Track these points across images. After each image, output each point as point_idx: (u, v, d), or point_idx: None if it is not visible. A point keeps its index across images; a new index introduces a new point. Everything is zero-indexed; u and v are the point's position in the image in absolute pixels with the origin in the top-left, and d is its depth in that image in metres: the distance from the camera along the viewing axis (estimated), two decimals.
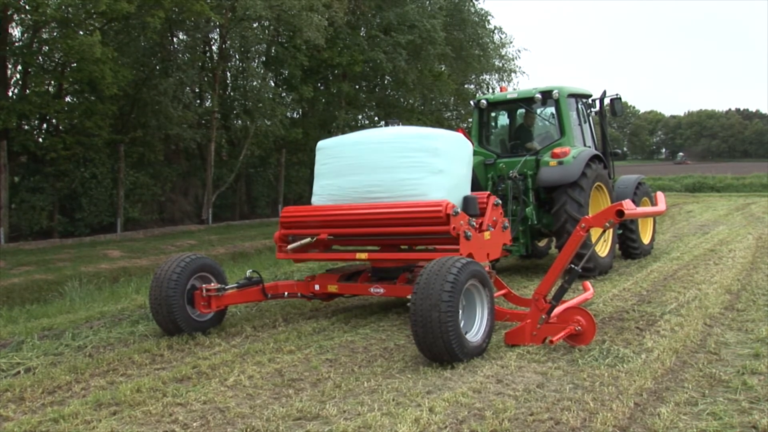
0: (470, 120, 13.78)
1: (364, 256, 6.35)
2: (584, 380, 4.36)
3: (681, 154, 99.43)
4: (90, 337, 5.95)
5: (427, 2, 23.64)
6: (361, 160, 6.29)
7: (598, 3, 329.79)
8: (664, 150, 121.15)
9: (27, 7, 13.05)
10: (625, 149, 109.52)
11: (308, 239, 6.42)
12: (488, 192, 7.15)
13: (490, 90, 27.74)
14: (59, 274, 10.38)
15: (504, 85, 25.86)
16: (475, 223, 6.14)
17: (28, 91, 14.70)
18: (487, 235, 6.28)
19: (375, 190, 6.19)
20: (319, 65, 20.97)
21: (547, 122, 9.54)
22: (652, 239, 10.67)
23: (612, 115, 10.13)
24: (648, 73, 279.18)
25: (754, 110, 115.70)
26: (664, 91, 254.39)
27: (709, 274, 8.32)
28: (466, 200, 6.35)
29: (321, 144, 6.76)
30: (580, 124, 9.51)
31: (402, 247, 6.78)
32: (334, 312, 6.99)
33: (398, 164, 6.09)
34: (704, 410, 3.81)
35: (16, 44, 14.83)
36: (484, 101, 9.56)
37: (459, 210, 5.85)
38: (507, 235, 6.75)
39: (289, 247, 6.50)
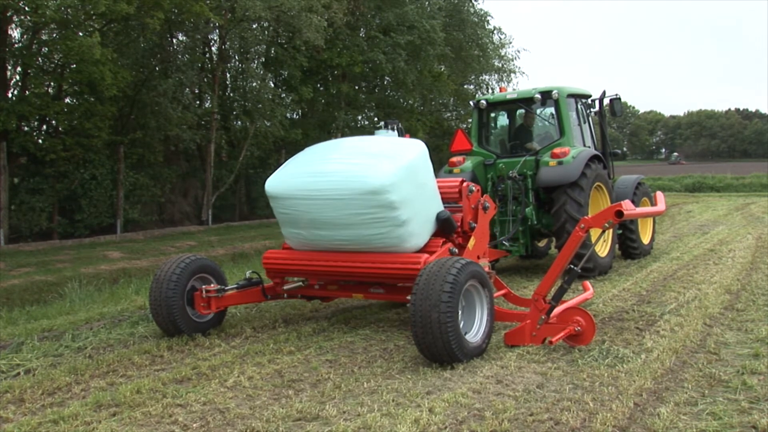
0: (470, 120, 13.78)
1: (360, 296, 6.22)
2: (584, 380, 4.37)
3: (676, 154, 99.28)
4: (90, 339, 5.95)
5: (427, 3, 23.65)
6: (315, 215, 5.70)
7: (597, 3, 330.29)
8: (663, 150, 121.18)
9: (26, 8, 13.03)
10: (624, 149, 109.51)
11: (300, 283, 6.47)
12: (459, 179, 6.57)
13: (490, 90, 27.76)
14: (59, 275, 10.38)
15: (503, 85, 25.85)
16: (456, 248, 5.92)
17: (27, 92, 14.68)
18: (471, 243, 6.12)
19: (345, 244, 5.79)
20: (319, 66, 20.98)
21: (546, 122, 9.55)
22: (652, 239, 10.67)
23: (611, 116, 10.14)
24: (648, 73, 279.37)
25: (753, 110, 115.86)
26: (663, 91, 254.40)
27: (708, 274, 8.32)
28: (442, 223, 5.95)
29: (269, 189, 5.92)
30: (579, 125, 9.52)
31: None
32: (334, 313, 6.99)
33: (356, 222, 5.55)
34: (704, 410, 3.82)
35: (16, 45, 14.82)
36: (483, 101, 9.57)
37: None
38: (490, 213, 6.44)
39: (285, 287, 6.47)
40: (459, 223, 6.23)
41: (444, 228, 5.99)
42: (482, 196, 6.45)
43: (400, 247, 5.66)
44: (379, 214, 5.44)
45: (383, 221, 5.47)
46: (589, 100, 10.06)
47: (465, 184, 6.34)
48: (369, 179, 5.39)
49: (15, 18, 14.14)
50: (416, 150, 5.87)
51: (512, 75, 28.52)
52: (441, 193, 6.20)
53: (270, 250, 6.55)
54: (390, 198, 5.36)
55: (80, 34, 13.53)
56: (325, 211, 5.61)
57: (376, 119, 24.52)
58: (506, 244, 8.64)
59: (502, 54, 28.03)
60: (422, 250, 5.75)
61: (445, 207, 6.14)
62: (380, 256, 5.73)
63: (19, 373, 5.00)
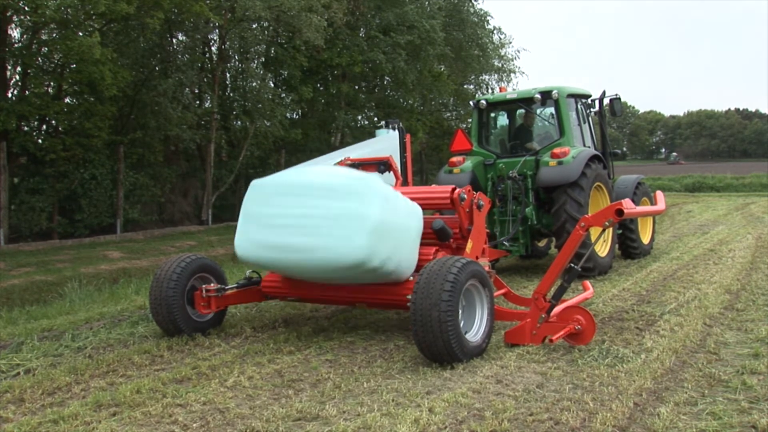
0: (470, 120, 13.78)
1: (363, 305, 6.22)
2: (584, 380, 4.37)
3: (674, 154, 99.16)
4: (90, 338, 5.95)
5: (427, 3, 23.66)
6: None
7: (597, 3, 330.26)
8: (663, 150, 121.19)
9: (26, 8, 13.04)
10: (624, 149, 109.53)
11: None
12: (450, 187, 6.22)
13: (490, 90, 27.77)
14: (59, 275, 10.38)
15: (503, 85, 25.87)
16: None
17: (27, 92, 14.69)
18: (468, 246, 6.08)
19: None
20: (319, 66, 20.98)
21: (546, 122, 9.55)
22: (652, 239, 10.67)
23: (611, 115, 10.15)
24: (648, 73, 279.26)
25: (753, 110, 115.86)
26: (663, 91, 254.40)
27: (708, 274, 8.32)
28: (437, 232, 5.91)
29: (240, 256, 5.78)
30: (579, 124, 9.52)
31: None
32: (334, 312, 7.00)
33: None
34: (704, 410, 3.81)
35: (16, 45, 14.82)
36: (483, 101, 9.57)
37: None
38: (485, 210, 6.37)
39: (289, 299, 6.54)
40: (456, 230, 6.20)
41: (439, 236, 5.99)
42: (475, 194, 6.32)
43: (399, 279, 5.58)
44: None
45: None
46: (589, 100, 10.06)
47: (456, 192, 6.07)
48: (343, 256, 5.13)
49: (15, 18, 14.14)
50: (378, 194, 5.31)
51: (512, 75, 28.59)
52: (431, 202, 6.18)
53: (269, 273, 6.37)
54: (371, 265, 5.16)
55: (80, 34, 13.53)
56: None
57: (376, 119, 24.51)
58: (506, 244, 8.65)
59: (502, 54, 28.06)
60: (417, 270, 5.67)
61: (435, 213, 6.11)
62: (376, 288, 5.70)
63: (19, 373, 5.00)
